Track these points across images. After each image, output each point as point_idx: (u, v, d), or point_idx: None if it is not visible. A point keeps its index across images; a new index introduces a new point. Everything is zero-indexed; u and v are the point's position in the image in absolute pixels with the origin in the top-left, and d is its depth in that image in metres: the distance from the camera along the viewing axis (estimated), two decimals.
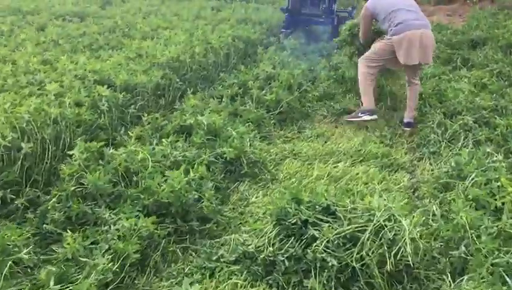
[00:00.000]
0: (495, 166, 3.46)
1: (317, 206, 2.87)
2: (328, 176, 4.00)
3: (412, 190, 3.88)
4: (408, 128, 5.22)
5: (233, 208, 3.56)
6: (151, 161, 3.47)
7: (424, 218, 3.26)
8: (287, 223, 2.81)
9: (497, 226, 2.69)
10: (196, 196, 3.19)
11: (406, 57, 4.97)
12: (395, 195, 3.66)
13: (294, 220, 2.80)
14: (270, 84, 5.94)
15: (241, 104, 5.37)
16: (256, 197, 3.72)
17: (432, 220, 3.19)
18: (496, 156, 3.77)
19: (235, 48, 7.65)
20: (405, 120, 5.31)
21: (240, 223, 3.35)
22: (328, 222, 2.80)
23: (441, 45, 8.85)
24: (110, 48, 7.01)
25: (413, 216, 2.86)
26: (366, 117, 5.27)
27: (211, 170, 3.72)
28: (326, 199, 2.91)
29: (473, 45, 9.17)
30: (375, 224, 2.68)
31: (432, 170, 4.15)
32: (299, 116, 5.51)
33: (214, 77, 6.65)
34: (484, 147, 4.01)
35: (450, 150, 4.35)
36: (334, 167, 4.21)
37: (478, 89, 6.13)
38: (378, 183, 3.84)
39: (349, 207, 2.84)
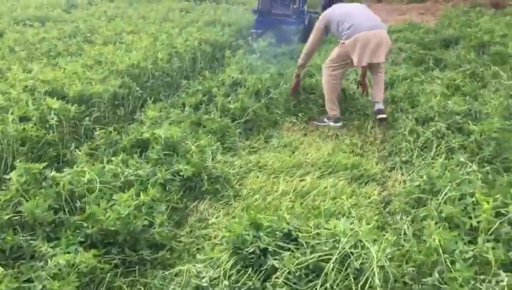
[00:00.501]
0: (469, 178, 3.25)
1: (277, 232, 2.62)
2: (294, 191, 3.74)
3: (383, 205, 3.64)
4: (381, 116, 5.22)
5: (191, 231, 3.27)
6: (100, 182, 3.17)
7: (395, 237, 3.04)
8: (244, 253, 2.55)
9: (472, 250, 2.46)
10: (147, 222, 2.90)
11: (359, 58, 5.03)
12: (364, 211, 3.44)
13: (253, 249, 2.54)
14: (236, 90, 5.68)
15: (205, 113, 5.10)
16: (216, 218, 3.44)
17: (404, 240, 2.96)
18: (470, 166, 3.57)
19: (201, 52, 7.38)
20: (376, 108, 5.31)
21: (197, 248, 3.08)
22: (289, 249, 2.55)
23: (413, 44, 8.71)
24: (69, 54, 6.66)
25: (383, 240, 2.61)
26: (331, 124, 5.30)
27: (167, 188, 3.44)
28: (288, 223, 2.66)
29: (446, 44, 9.06)
30: (340, 252, 2.43)
31: (404, 181, 3.93)
32: (266, 124, 5.26)
33: (179, 83, 6.37)
34: (457, 155, 3.80)
35: (423, 159, 4.13)
36: (301, 181, 3.96)
37: (451, 91, 5.95)
38: (347, 199, 3.59)
39: (312, 232, 2.59)
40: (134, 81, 5.51)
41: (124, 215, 2.77)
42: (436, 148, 4.16)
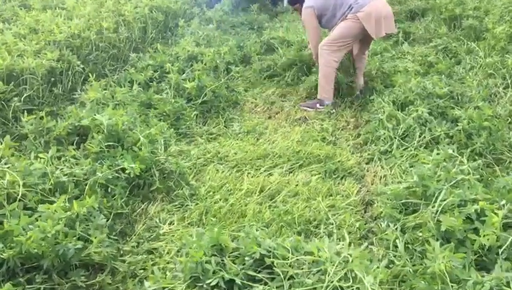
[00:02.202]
0: (466, 178, 2.79)
1: (247, 258, 2.08)
2: (260, 190, 3.21)
3: (364, 207, 3.15)
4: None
5: (138, 245, 2.70)
6: (24, 185, 2.55)
7: (383, 252, 2.56)
8: (205, 286, 2.01)
9: (490, 281, 1.99)
10: (81, 242, 2.31)
11: (377, 29, 4.58)
12: (343, 215, 2.94)
13: (216, 281, 2.00)
14: (192, 66, 5.06)
15: (157, 92, 4.49)
16: (169, 225, 2.88)
17: (395, 256, 2.48)
18: (463, 162, 3.12)
19: (153, 21, 6.66)
20: (358, 92, 5.07)
21: (145, 268, 2.51)
22: (262, 281, 2.02)
23: None
24: (2, 21, 5.84)
25: (375, 267, 2.11)
26: (322, 109, 4.75)
27: (109, 190, 2.84)
28: (259, 246, 2.12)
29: (412, 16, 8.60)
30: (328, 286, 1.92)
31: (385, 177, 3.45)
32: (226, 105, 4.68)
33: (127, 56, 5.67)
34: (446, 148, 3.33)
35: (404, 149, 3.66)
36: (269, 175, 3.43)
37: (424, 68, 5.52)
38: (322, 199, 3.09)
39: (290, 258, 2.07)
40: (75, 53, 4.81)
41: (50, 236, 2.17)
42: (419, 137, 3.69)
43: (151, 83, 4.67)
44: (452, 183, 2.75)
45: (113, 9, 6.27)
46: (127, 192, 2.98)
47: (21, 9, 6.47)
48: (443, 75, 5.09)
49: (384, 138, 3.85)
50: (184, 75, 4.83)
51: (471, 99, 4.22)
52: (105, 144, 3.14)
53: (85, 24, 5.28)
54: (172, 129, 3.86)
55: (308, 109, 4.77)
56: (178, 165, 3.30)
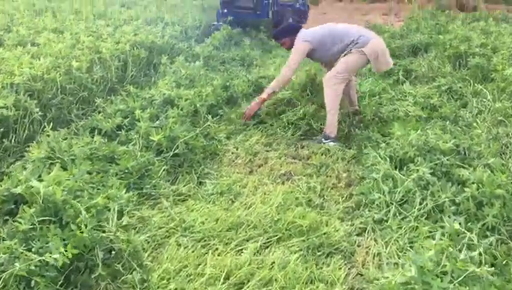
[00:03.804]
0: (479, 273, 2.23)
1: None
2: (226, 275, 2.64)
3: None
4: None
5: None
6: None
7: None
8: None
9: None
10: None
11: (379, 64, 4.70)
12: None
13: None
14: (167, 111, 4.54)
15: (125, 143, 3.97)
16: None
17: None
18: (473, 240, 2.57)
19: (134, 58, 6.18)
20: (353, 108, 5.10)
21: None
22: None
23: None
24: None
25: None
26: (331, 144, 4.59)
27: (32, 285, 2.29)
28: None
29: (414, 52, 8.13)
30: None
31: (379, 255, 2.89)
32: (202, 157, 4.15)
33: (102, 98, 5.17)
34: (451, 222, 2.79)
35: (402, 219, 3.11)
36: (239, 253, 2.87)
37: (427, 112, 4.99)
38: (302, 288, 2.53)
39: None
40: (36, 98, 4.32)
41: None
42: (420, 204, 3.14)
43: (119, 132, 4.15)
44: (460, 279, 2.19)
45: (90, 46, 5.80)
46: (60, 281, 2.42)
47: None
48: (447, 121, 4.58)
49: (380, 203, 3.30)
50: (157, 122, 4.31)
51: (480, 154, 3.68)
52: (39, 219, 2.59)
53: (51, 64, 4.78)
54: (131, 192, 3.31)
55: (315, 143, 4.63)
56: (129, 242, 2.74)
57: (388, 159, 3.72)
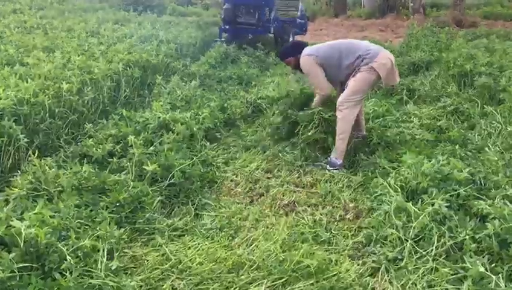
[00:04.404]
0: None
1: None
2: None
3: None
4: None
5: None
6: None
7: None
8: None
9: None
10: None
11: (392, 77, 4.45)
12: None
13: None
14: (162, 136, 4.29)
15: (117, 171, 3.72)
16: None
17: None
18: (499, 285, 2.32)
19: (127, 78, 5.93)
20: (361, 134, 4.80)
21: None
22: None
23: None
24: None
25: None
26: (335, 172, 4.32)
27: None
28: None
29: (415, 70, 7.94)
30: None
31: None
32: (199, 185, 3.88)
33: (94, 121, 4.91)
34: (474, 263, 2.54)
35: (419, 258, 2.85)
36: None
37: (434, 135, 4.76)
38: None
39: None
40: (23, 123, 4.05)
41: None
42: (438, 241, 2.88)
43: (110, 159, 3.89)
44: None
45: (81, 66, 5.54)
46: None
47: None
48: (457, 145, 4.34)
49: (393, 240, 3.03)
50: (151, 148, 4.06)
51: (497, 184, 3.42)
52: (19, 265, 2.32)
53: (39, 86, 4.52)
54: (123, 228, 3.04)
55: (319, 169, 4.39)
56: (120, 288, 2.47)
57: (399, 188, 3.47)
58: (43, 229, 2.50)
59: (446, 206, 3.07)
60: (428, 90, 6.52)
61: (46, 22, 9.92)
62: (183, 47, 8.47)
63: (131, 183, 3.50)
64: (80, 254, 2.53)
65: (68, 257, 2.37)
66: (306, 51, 4.53)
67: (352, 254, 3.09)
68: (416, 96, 6.42)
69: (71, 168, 3.56)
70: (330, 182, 4.13)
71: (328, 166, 4.36)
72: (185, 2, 17.78)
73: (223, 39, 9.67)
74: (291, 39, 10.14)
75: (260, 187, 4.03)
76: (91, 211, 3.13)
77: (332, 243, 3.22)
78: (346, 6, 21.28)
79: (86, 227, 2.92)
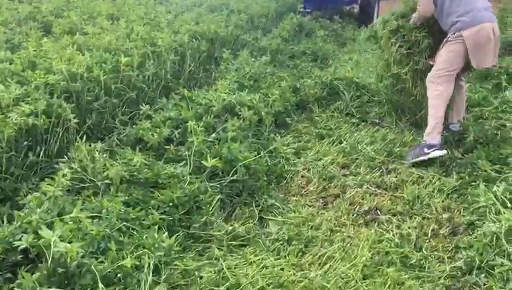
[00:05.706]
0: None
1: None
2: None
3: None
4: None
5: None
6: None
7: None
8: None
9: None
10: None
11: (481, 58, 3.78)
12: None
13: None
14: (226, 121, 3.80)
15: (174, 160, 3.27)
16: None
17: None
18: None
19: (193, 51, 5.45)
20: (452, 126, 4.19)
21: None
22: None
23: None
24: (9, 47, 4.75)
25: None
26: (436, 153, 3.77)
27: None
28: None
29: None
30: None
31: None
32: (266, 182, 3.37)
33: (153, 99, 4.49)
34: None
35: None
36: None
37: None
38: None
39: None
40: (73, 100, 3.65)
41: None
42: None
43: (167, 147, 3.44)
44: None
45: (145, 37, 5.11)
46: None
47: (41, 32, 5.42)
48: None
49: (504, 272, 2.42)
50: (213, 135, 3.58)
51: None
52: (49, 279, 1.91)
53: (95, 59, 4.12)
54: (175, 236, 2.58)
55: (418, 159, 3.78)
56: None
57: (508, 202, 2.83)
58: (77, 240, 2.08)
59: None
60: None
61: None
62: (255, 18, 7.90)
63: (188, 178, 3.04)
64: (119, 275, 2.09)
65: (100, 285, 1.92)
66: None
67: (450, 284, 2.51)
68: None
69: (121, 156, 3.15)
70: (418, 184, 3.52)
71: (425, 149, 3.79)
72: None
73: (308, 10, 9.34)
74: (375, 11, 9.45)
75: (335, 187, 3.47)
76: (140, 209, 2.70)
77: (424, 267, 2.63)
78: None
79: (132, 233, 2.49)
